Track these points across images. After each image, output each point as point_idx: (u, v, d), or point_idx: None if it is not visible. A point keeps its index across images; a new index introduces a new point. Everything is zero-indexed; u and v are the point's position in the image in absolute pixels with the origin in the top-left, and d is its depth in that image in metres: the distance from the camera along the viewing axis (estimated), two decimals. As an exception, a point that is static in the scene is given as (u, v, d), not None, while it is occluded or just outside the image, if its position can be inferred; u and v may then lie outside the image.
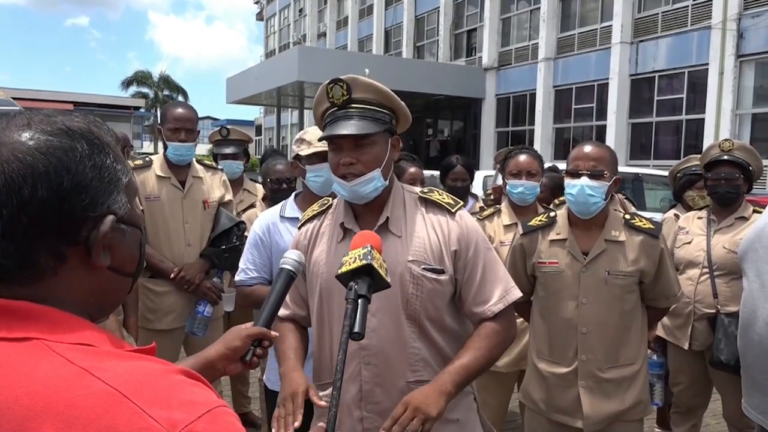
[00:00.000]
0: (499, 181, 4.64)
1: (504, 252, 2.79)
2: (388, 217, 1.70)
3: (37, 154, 0.70)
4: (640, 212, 3.06)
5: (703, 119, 14.75)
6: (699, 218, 3.28)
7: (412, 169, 3.27)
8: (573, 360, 2.31)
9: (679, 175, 3.97)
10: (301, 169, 2.47)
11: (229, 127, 4.39)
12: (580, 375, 2.29)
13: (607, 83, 17.03)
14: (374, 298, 1.60)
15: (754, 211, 3.10)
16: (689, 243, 3.22)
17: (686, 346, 3.17)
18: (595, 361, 2.28)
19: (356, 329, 1.27)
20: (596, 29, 17.74)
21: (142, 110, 37.38)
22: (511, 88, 20.64)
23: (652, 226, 2.33)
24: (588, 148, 2.33)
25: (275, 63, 24.16)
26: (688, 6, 15.45)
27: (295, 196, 2.56)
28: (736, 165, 3.08)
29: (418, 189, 1.82)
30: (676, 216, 3.63)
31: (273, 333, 1.33)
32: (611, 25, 16.88)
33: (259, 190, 4.21)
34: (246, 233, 3.18)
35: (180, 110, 3.13)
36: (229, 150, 4.16)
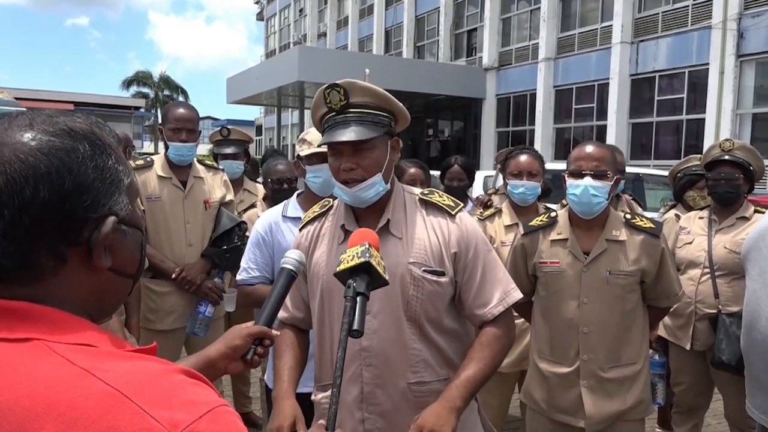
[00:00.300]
0: (500, 182, 4.64)
1: (505, 252, 2.79)
2: (389, 219, 1.70)
3: (39, 154, 0.70)
4: (647, 215, 3.06)
5: (704, 119, 14.74)
6: (700, 218, 3.28)
7: (412, 170, 3.27)
8: (574, 360, 2.31)
9: (679, 175, 3.97)
10: (302, 169, 2.48)
11: (229, 127, 4.39)
12: (582, 375, 2.29)
13: (608, 83, 17.02)
14: (375, 299, 1.62)
15: (756, 212, 3.10)
16: (690, 243, 3.22)
17: (688, 346, 3.17)
18: (596, 360, 2.28)
19: (355, 326, 1.27)
20: (596, 29, 17.74)
21: (143, 110, 37.40)
22: (511, 88, 20.63)
23: (653, 226, 2.33)
24: (590, 148, 2.33)
25: (275, 63, 24.16)
26: (688, 6, 15.44)
27: (297, 195, 2.56)
28: (737, 165, 3.08)
29: (418, 190, 1.82)
30: (677, 216, 3.63)
31: (274, 332, 1.32)
32: (611, 25, 16.87)
33: (260, 190, 4.21)
34: (247, 233, 3.19)
35: (181, 110, 3.13)
36: (229, 150, 4.16)
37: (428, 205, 1.75)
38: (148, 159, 3.16)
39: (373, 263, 1.34)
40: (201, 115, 3.30)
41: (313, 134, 2.47)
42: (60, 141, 0.72)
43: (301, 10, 35.80)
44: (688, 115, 15.63)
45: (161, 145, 3.33)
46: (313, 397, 1.85)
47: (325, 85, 1.66)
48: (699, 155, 4.05)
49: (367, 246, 1.37)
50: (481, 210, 3.79)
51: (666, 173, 4.78)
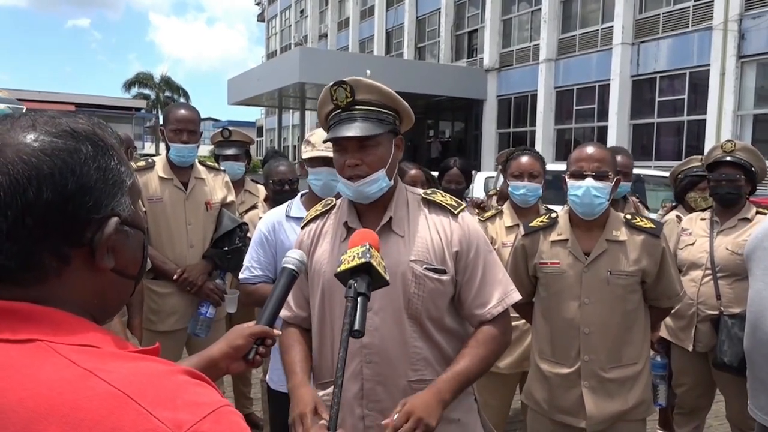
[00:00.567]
0: (501, 183, 4.64)
1: (506, 253, 2.79)
2: (391, 217, 1.71)
3: (42, 155, 0.70)
4: (647, 215, 3.06)
5: (705, 120, 14.74)
6: (702, 219, 3.27)
7: (413, 171, 3.27)
8: (575, 360, 2.31)
9: (680, 176, 3.97)
10: (305, 170, 2.51)
11: (230, 128, 4.39)
12: (583, 375, 2.29)
13: (609, 84, 17.02)
14: (376, 297, 1.61)
15: (758, 213, 3.10)
16: (692, 244, 3.22)
17: (690, 348, 3.17)
18: (597, 361, 2.28)
19: (356, 327, 1.27)
20: (597, 30, 17.74)
21: (144, 111, 37.42)
22: (512, 89, 20.64)
23: (653, 226, 2.33)
24: (591, 149, 2.33)
25: (276, 64, 24.18)
26: (689, 7, 15.44)
27: (301, 196, 2.58)
28: (738, 166, 3.08)
29: (421, 191, 1.83)
30: (678, 218, 3.62)
31: (276, 331, 1.32)
32: (612, 26, 16.87)
33: (261, 191, 4.21)
34: (248, 234, 3.19)
35: (182, 112, 3.14)
36: (230, 151, 4.17)
37: (431, 204, 1.77)
38: (150, 160, 3.16)
39: (374, 264, 1.34)
40: (202, 116, 3.31)
41: (316, 136, 2.48)
42: (63, 142, 0.72)
43: (302, 12, 35.83)
44: (689, 116, 15.62)
45: (162, 146, 3.34)
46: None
47: (332, 83, 1.67)
48: (700, 156, 4.05)
49: (367, 247, 1.36)
50: (478, 211, 3.80)
51: (667, 174, 4.77)
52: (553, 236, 2.39)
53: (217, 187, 3.26)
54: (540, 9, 19.04)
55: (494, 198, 4.45)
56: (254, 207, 3.85)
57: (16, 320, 0.69)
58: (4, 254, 0.69)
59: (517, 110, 20.75)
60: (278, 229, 2.44)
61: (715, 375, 3.12)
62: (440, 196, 1.79)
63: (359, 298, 1.31)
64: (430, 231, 1.71)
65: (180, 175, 3.12)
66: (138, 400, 0.62)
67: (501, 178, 4.88)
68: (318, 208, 1.89)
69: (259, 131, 45.90)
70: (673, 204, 4.15)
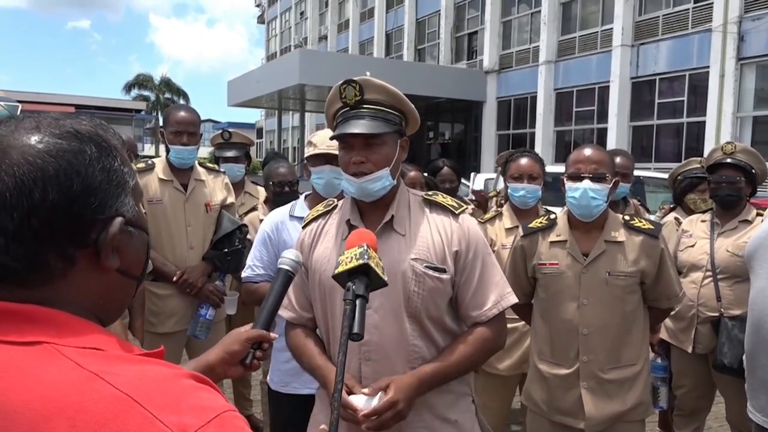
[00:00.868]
0: (501, 185, 4.64)
1: (506, 255, 2.79)
2: (393, 216, 1.72)
3: (47, 157, 0.70)
4: (646, 216, 3.06)
5: (704, 122, 14.75)
6: (702, 221, 3.28)
7: (413, 173, 3.28)
8: (574, 361, 2.31)
9: (679, 178, 3.97)
10: (308, 170, 2.53)
11: (231, 130, 4.40)
12: (582, 376, 2.29)
13: (608, 86, 17.04)
14: (376, 295, 1.62)
15: (758, 214, 3.10)
16: (693, 246, 3.22)
17: (690, 350, 3.17)
18: (596, 362, 2.28)
19: (355, 330, 1.26)
20: (597, 32, 17.76)
21: (143, 113, 37.44)
22: (512, 90, 20.65)
23: (651, 227, 2.34)
24: (588, 151, 2.34)
25: (276, 66, 24.20)
26: (688, 9, 15.46)
27: (305, 196, 2.60)
28: (738, 168, 3.08)
29: (422, 192, 1.85)
30: (677, 220, 3.62)
31: (272, 335, 1.32)
32: (612, 28, 16.89)
33: (261, 192, 4.21)
34: (248, 236, 3.19)
35: (182, 114, 3.14)
36: (230, 153, 4.17)
37: (432, 205, 1.79)
38: (150, 162, 3.17)
39: (372, 265, 1.33)
40: (202, 118, 3.31)
41: (318, 137, 2.50)
42: (67, 143, 0.72)
43: (302, 13, 35.87)
44: (689, 118, 15.63)
45: (162, 148, 3.34)
46: (317, 390, 1.87)
47: (341, 81, 1.70)
48: (699, 158, 4.05)
49: (365, 247, 1.35)
50: (473, 209, 3.79)
51: (666, 176, 4.77)
52: (552, 237, 2.39)
53: (216, 188, 3.26)
54: (540, 11, 19.06)
55: (494, 200, 4.45)
56: (254, 209, 3.85)
57: (21, 322, 0.69)
58: (11, 255, 0.69)
59: (517, 112, 20.76)
60: (281, 229, 2.45)
61: (715, 377, 3.12)
62: (441, 198, 1.81)
63: (358, 301, 1.29)
64: (431, 230, 1.73)
65: (180, 177, 3.12)
66: (143, 404, 0.63)
67: (501, 180, 4.89)
68: (319, 208, 1.90)
69: (259, 133, 45.91)
70: (672, 206, 4.15)
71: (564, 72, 18.73)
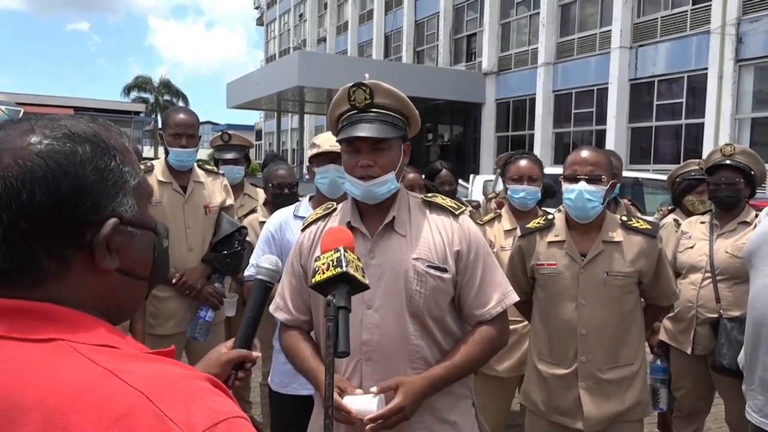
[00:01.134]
0: (500, 186, 4.64)
1: (505, 257, 2.79)
2: (394, 217, 1.74)
3: (36, 158, 0.70)
4: (643, 217, 3.06)
5: (703, 123, 14.77)
6: (702, 223, 3.28)
7: (411, 176, 3.28)
8: (573, 361, 2.32)
9: (678, 179, 3.97)
10: (311, 171, 2.55)
11: (230, 132, 4.40)
12: (580, 376, 2.30)
13: (607, 88, 17.06)
14: (378, 294, 1.65)
15: (757, 216, 3.10)
16: (692, 247, 3.22)
17: (689, 351, 3.17)
18: (594, 362, 2.29)
19: (341, 348, 1.18)
20: (596, 34, 17.78)
21: (143, 115, 37.43)
22: (510, 92, 20.67)
23: (649, 227, 2.36)
24: (585, 153, 2.35)
25: (275, 68, 24.22)
26: (687, 11, 15.49)
27: (310, 198, 2.62)
28: (737, 170, 3.08)
29: (421, 195, 1.87)
30: (676, 221, 3.63)
31: (254, 354, 1.28)
32: (610, 30, 16.92)
33: (260, 194, 4.21)
34: (247, 239, 3.20)
35: (181, 116, 3.15)
36: (230, 155, 4.16)
37: (432, 206, 1.81)
38: (149, 164, 3.17)
39: (351, 272, 1.25)
40: (201, 120, 3.31)
41: (322, 138, 2.53)
42: (58, 144, 0.72)
43: (300, 15, 35.90)
44: (687, 120, 15.65)
45: (161, 149, 3.34)
46: (315, 393, 1.86)
47: (350, 84, 1.71)
48: (698, 160, 4.06)
49: (341, 251, 1.28)
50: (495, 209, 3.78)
51: (665, 177, 4.78)
52: (550, 238, 2.40)
53: (216, 190, 3.26)
54: (538, 13, 19.08)
55: (492, 201, 4.45)
56: (253, 211, 3.85)
57: (35, 319, 0.70)
58: (2, 257, 0.70)
59: (516, 114, 20.78)
60: (285, 228, 2.48)
61: (714, 378, 3.12)
62: (441, 199, 1.83)
63: (340, 313, 1.22)
64: (431, 231, 1.74)
65: (179, 179, 3.12)
66: (155, 402, 0.63)
67: (500, 182, 4.89)
68: (318, 211, 1.91)
69: (258, 135, 45.93)
70: (671, 207, 4.16)
71: (563, 74, 18.75)
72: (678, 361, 3.28)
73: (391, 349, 1.68)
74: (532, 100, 19.49)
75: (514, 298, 1.80)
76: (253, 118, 48.44)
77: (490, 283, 1.75)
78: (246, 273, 2.52)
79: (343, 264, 1.25)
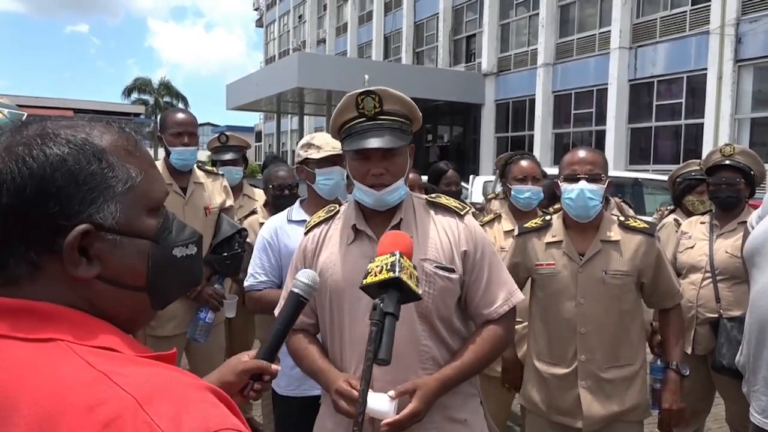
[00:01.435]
0: (499, 187, 4.64)
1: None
2: (401, 219, 1.73)
3: (5, 160, 0.70)
4: (639, 217, 3.07)
5: (702, 124, 14.78)
6: (702, 223, 3.28)
7: (411, 176, 3.26)
8: (572, 360, 2.32)
9: (678, 179, 3.97)
10: (308, 173, 2.49)
11: (227, 133, 4.40)
12: (580, 375, 2.30)
13: (606, 88, 17.07)
14: None
15: (756, 216, 3.10)
16: (692, 248, 3.22)
17: (689, 350, 3.16)
18: (594, 361, 2.29)
19: (382, 356, 1.13)
20: (595, 34, 17.80)
21: (142, 117, 37.43)
22: (510, 93, 20.68)
23: (646, 226, 2.37)
24: (583, 153, 2.37)
25: (275, 69, 24.23)
26: (686, 11, 15.50)
27: (301, 202, 2.59)
28: (737, 170, 3.09)
29: (424, 195, 1.87)
30: (676, 221, 3.63)
31: (274, 367, 1.23)
32: (610, 31, 16.94)
33: (258, 195, 4.22)
34: (248, 240, 3.19)
35: (180, 115, 3.16)
36: (228, 156, 4.17)
37: (436, 207, 1.81)
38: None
39: (404, 278, 1.19)
40: (200, 122, 3.32)
41: (320, 138, 2.50)
42: (28, 148, 0.71)
43: (300, 17, 35.91)
44: (687, 120, 15.66)
45: (161, 151, 3.33)
46: (322, 396, 1.85)
47: (358, 91, 1.69)
48: (698, 160, 4.06)
49: (397, 256, 1.22)
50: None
51: (665, 178, 4.78)
52: (548, 238, 2.41)
53: (215, 191, 3.26)
54: (538, 13, 19.10)
55: (492, 202, 4.45)
56: (253, 212, 3.85)
57: (37, 319, 0.69)
58: None
59: (516, 114, 20.79)
60: (281, 234, 2.45)
61: (714, 378, 3.12)
62: (445, 200, 1.83)
63: (387, 319, 1.16)
64: (438, 232, 1.75)
65: (179, 180, 3.12)
66: (145, 408, 0.62)
67: (499, 182, 4.88)
68: (321, 214, 1.90)
69: (258, 136, 45.93)
70: (672, 208, 4.16)
71: (562, 74, 18.76)
72: (678, 361, 3.28)
73: (402, 351, 1.66)
74: (532, 101, 19.50)
75: (520, 296, 1.81)
76: (252, 119, 48.52)
77: (497, 282, 1.76)
78: (246, 284, 2.48)
79: (397, 269, 1.20)
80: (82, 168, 0.71)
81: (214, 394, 0.69)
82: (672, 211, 4.04)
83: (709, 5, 14.65)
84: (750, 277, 2.25)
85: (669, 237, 3.49)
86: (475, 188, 9.00)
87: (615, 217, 2.42)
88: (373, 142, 1.65)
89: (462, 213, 1.79)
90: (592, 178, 2.29)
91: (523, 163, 3.20)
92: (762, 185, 3.41)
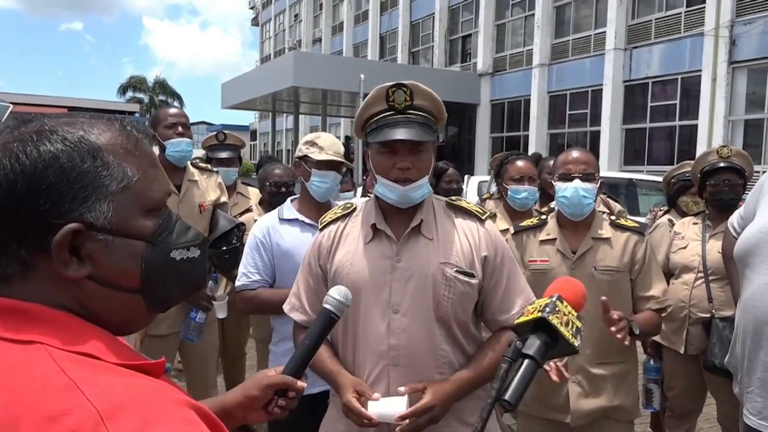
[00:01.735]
0: (494, 187, 4.65)
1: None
2: (422, 220, 1.71)
3: (0, 157, 0.69)
4: (633, 217, 3.09)
5: (696, 125, 14.84)
6: (694, 224, 3.30)
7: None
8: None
9: (673, 180, 3.99)
10: (304, 170, 2.48)
11: (226, 132, 4.39)
12: (570, 370, 2.31)
13: (601, 89, 17.12)
14: (405, 298, 1.64)
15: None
16: (685, 248, 3.24)
17: (681, 350, 3.18)
18: (584, 356, 2.30)
19: (506, 397, 1.02)
20: (590, 35, 17.84)
21: (137, 115, 37.30)
22: (505, 93, 20.71)
23: (637, 225, 2.41)
24: (576, 153, 2.41)
25: (270, 68, 24.18)
26: (681, 13, 15.56)
27: (292, 200, 2.58)
28: (736, 171, 3.11)
29: (444, 198, 1.85)
30: (670, 221, 3.65)
31: (300, 384, 1.18)
32: (605, 32, 16.98)
33: (252, 192, 4.21)
34: (247, 234, 3.19)
35: (172, 109, 3.19)
36: (224, 154, 4.15)
37: (456, 210, 1.79)
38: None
39: (554, 321, 1.07)
40: (196, 120, 3.33)
41: (324, 140, 2.48)
42: (23, 145, 0.70)
43: (296, 16, 35.89)
44: (681, 122, 15.72)
45: (155, 150, 3.31)
46: (332, 397, 1.83)
47: (388, 84, 1.68)
48: (692, 161, 4.08)
49: (554, 298, 1.11)
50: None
51: (659, 179, 4.80)
52: (542, 236, 2.44)
53: (210, 188, 3.25)
54: (533, 14, 19.14)
55: (487, 202, 4.46)
56: (249, 210, 3.85)
57: (23, 320, 0.68)
58: None
59: (511, 115, 20.83)
60: (273, 233, 2.44)
61: (706, 378, 3.14)
62: (465, 203, 1.81)
63: (524, 362, 1.05)
64: (458, 235, 1.72)
65: (173, 178, 3.10)
66: (107, 422, 0.60)
67: (494, 183, 4.90)
68: (337, 211, 1.86)
69: (253, 135, 45.87)
70: (665, 208, 4.18)
71: (557, 75, 18.81)
72: (671, 360, 3.30)
73: (419, 354, 1.66)
74: (527, 101, 19.54)
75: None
76: (248, 118, 48.40)
77: (514, 289, 1.75)
78: (238, 283, 2.46)
79: (547, 310, 1.09)
80: (75, 166, 0.70)
81: (196, 412, 0.66)
82: (666, 212, 4.06)
83: (704, 7, 14.71)
84: (743, 277, 2.23)
85: (663, 237, 3.51)
86: (470, 188, 9.01)
87: (606, 216, 2.46)
88: (403, 133, 1.63)
89: (483, 217, 1.77)
90: (586, 177, 2.33)
91: (520, 163, 3.22)
92: (749, 185, 3.43)
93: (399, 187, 1.66)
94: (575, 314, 1.12)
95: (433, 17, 23.64)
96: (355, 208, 1.84)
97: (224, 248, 3.12)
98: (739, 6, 14.09)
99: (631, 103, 16.93)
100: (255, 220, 3.23)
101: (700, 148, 13.45)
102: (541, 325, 1.08)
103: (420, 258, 1.67)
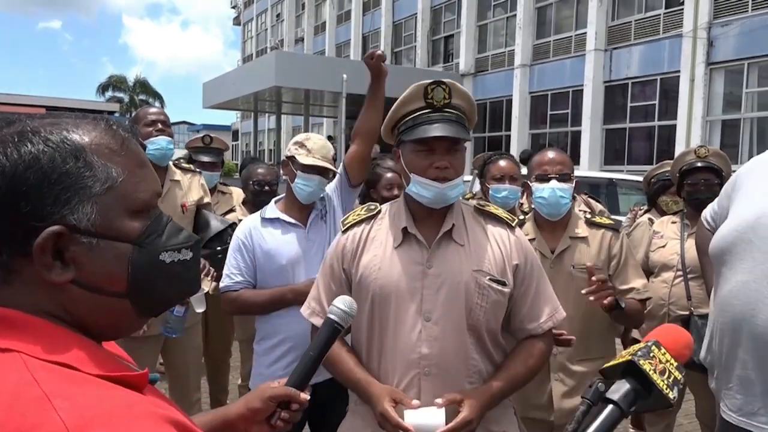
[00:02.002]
0: (477, 187, 4.67)
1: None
2: (453, 224, 1.67)
3: None
4: (614, 216, 3.12)
5: (675, 125, 15.04)
6: (673, 222, 3.34)
7: (389, 175, 3.20)
8: None
9: (653, 180, 4.04)
10: (291, 171, 2.46)
11: (211, 135, 4.34)
12: (552, 368, 2.34)
13: (582, 90, 17.27)
14: (438, 305, 1.60)
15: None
16: (663, 247, 3.28)
17: (661, 348, 3.22)
18: (565, 353, 2.33)
19: None
20: (571, 36, 17.99)
21: (117, 115, 36.88)
22: (487, 94, 20.80)
23: (611, 222, 2.45)
24: (552, 154, 2.44)
25: (252, 68, 24.05)
26: (660, 14, 15.75)
27: (276, 201, 2.57)
28: (713, 171, 3.15)
29: (473, 202, 1.83)
30: (650, 220, 3.69)
31: (304, 396, 1.15)
32: (586, 33, 17.13)
33: (235, 193, 4.18)
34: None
35: (152, 108, 3.17)
36: (208, 158, 4.08)
37: (486, 216, 1.76)
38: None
39: (645, 367, 0.98)
40: (177, 120, 3.30)
41: (313, 141, 2.46)
42: (3, 146, 0.68)
43: (278, 16, 35.72)
44: (660, 122, 15.92)
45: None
46: (353, 406, 1.79)
47: (426, 81, 1.66)
48: (672, 161, 4.14)
49: (650, 343, 1.02)
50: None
51: (639, 178, 4.86)
52: None
53: (192, 188, 3.23)
54: (515, 15, 19.25)
55: (469, 201, 4.49)
56: (231, 210, 3.82)
57: (1, 326, 0.66)
58: None
59: (493, 115, 20.92)
60: (255, 234, 2.43)
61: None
62: (494, 209, 1.79)
63: (607, 407, 0.96)
64: (489, 242, 1.69)
65: (154, 178, 3.08)
66: None
67: (477, 183, 4.92)
68: (361, 213, 1.80)
69: (235, 135, 45.58)
70: (645, 208, 4.23)
71: (539, 75, 18.94)
72: (651, 358, 3.33)
73: (451, 363, 1.62)
74: (509, 102, 19.65)
75: (563, 314, 1.77)
76: (229, 118, 48.07)
77: (543, 298, 1.73)
78: (221, 285, 2.45)
79: (639, 354, 1.00)
80: (56, 167, 0.68)
81: (176, 427, 0.64)
82: (647, 211, 4.12)
83: (683, 9, 14.91)
84: (719, 275, 2.24)
85: (643, 236, 3.54)
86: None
87: (582, 214, 2.49)
88: (442, 129, 1.60)
89: (513, 224, 1.75)
90: (562, 178, 2.36)
91: (502, 162, 3.23)
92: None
93: (437, 185, 1.61)
94: (675, 364, 1.02)
95: (416, 17, 23.68)
96: (379, 210, 1.79)
97: (218, 248, 3.11)
98: (717, 8, 14.30)
99: (611, 104, 17.11)
100: (239, 220, 3.22)
101: (679, 148, 13.62)
102: (631, 371, 0.98)
103: (452, 265, 1.63)
